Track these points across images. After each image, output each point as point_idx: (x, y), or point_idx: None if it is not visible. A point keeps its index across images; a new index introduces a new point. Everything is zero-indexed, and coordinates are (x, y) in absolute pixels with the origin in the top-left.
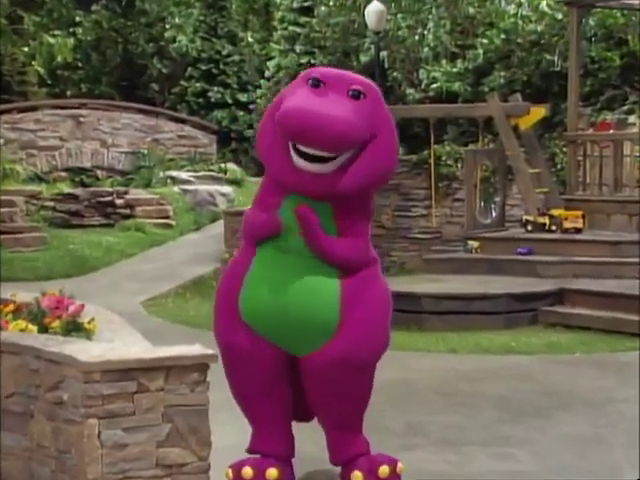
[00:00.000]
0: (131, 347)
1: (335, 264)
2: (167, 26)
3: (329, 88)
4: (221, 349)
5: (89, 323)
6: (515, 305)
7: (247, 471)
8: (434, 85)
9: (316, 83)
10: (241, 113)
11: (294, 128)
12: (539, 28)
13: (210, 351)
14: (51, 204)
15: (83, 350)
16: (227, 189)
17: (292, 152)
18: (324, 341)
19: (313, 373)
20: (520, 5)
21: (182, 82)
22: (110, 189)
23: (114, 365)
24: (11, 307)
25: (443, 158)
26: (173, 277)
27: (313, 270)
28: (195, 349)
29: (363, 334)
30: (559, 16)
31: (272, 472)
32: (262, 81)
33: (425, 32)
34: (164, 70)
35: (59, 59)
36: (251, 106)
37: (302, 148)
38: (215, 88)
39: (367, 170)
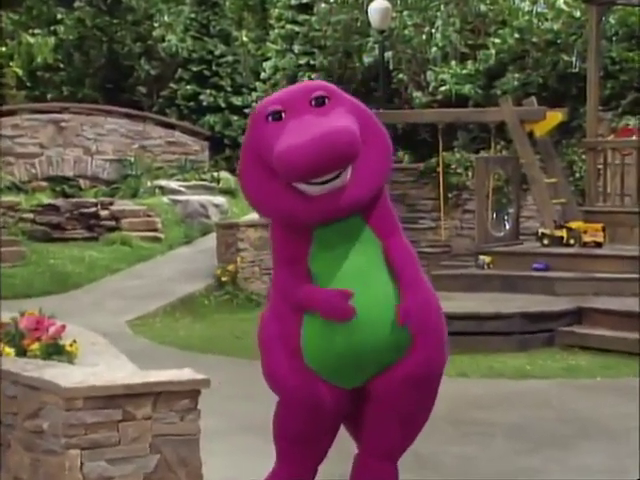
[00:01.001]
0: (116, 371)
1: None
2: (155, 24)
3: (292, 112)
4: (286, 398)
5: (71, 345)
6: (530, 325)
7: None
8: (442, 88)
9: (277, 116)
10: (235, 118)
11: (305, 168)
12: (556, 26)
13: (201, 376)
14: (30, 216)
15: (64, 375)
16: (220, 200)
17: (303, 187)
18: (397, 359)
19: (384, 394)
20: (535, 2)
21: (172, 84)
22: (94, 200)
23: (98, 391)
24: None
25: (452, 166)
26: (162, 295)
27: (377, 289)
28: (185, 373)
29: (433, 342)
30: (577, 14)
31: None
32: (258, 83)
33: (433, 31)
34: (152, 71)
35: (39, 60)
36: (246, 110)
37: (315, 180)
38: (207, 91)
39: (376, 160)
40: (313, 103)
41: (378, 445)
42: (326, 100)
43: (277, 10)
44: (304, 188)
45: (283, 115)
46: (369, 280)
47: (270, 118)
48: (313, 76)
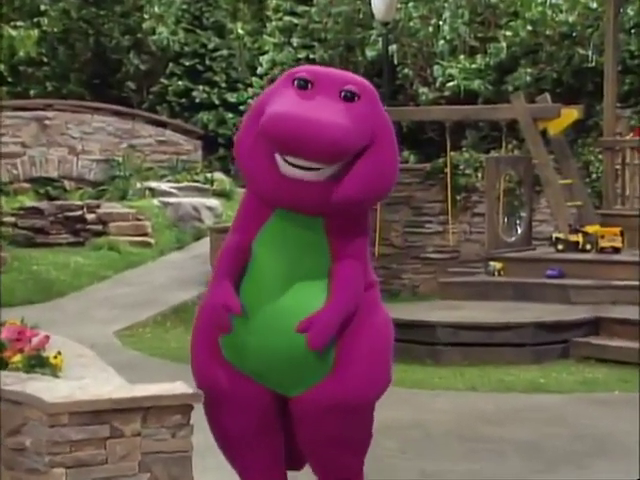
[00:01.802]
0: (103, 385)
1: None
2: (145, 16)
3: (318, 89)
4: (200, 390)
5: (55, 357)
6: (544, 336)
7: None
8: (450, 83)
9: (303, 84)
10: (230, 115)
11: (281, 137)
12: (571, 18)
13: (194, 389)
14: (12, 220)
15: (48, 389)
16: (214, 202)
17: (279, 159)
18: (317, 380)
19: (304, 416)
20: None
21: (162, 80)
22: (80, 202)
23: (84, 406)
24: None
25: (461, 167)
26: (152, 303)
27: (303, 298)
28: (177, 387)
29: (361, 371)
30: (594, 5)
31: None
32: (254, 79)
33: (440, 23)
34: (142, 66)
35: (21, 54)
36: (241, 107)
37: (290, 159)
38: (200, 87)
39: (367, 179)
40: (342, 94)
41: (322, 468)
42: (355, 98)
43: (274, 1)
44: (282, 165)
45: (309, 87)
46: (299, 288)
47: (296, 83)
48: None
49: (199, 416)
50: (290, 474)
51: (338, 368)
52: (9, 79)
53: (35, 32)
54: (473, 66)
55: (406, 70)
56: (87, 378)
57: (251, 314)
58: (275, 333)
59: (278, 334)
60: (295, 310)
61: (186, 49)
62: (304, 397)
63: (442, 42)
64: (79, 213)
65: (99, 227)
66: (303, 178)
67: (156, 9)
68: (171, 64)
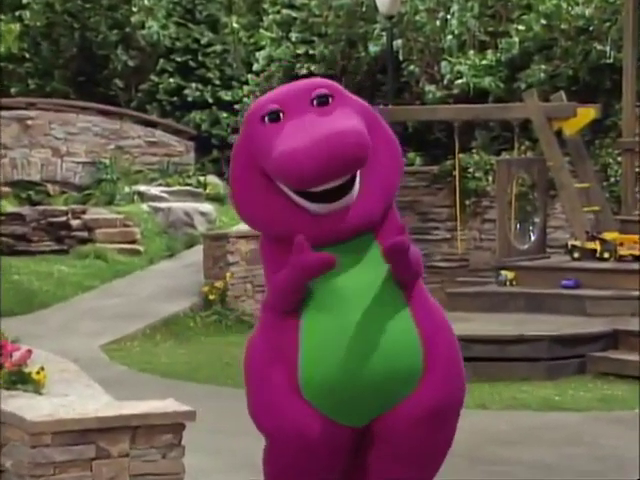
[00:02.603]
0: (89, 403)
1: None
2: (134, 9)
3: (292, 112)
4: (282, 438)
5: (38, 373)
6: (559, 350)
7: None
8: (459, 81)
9: (274, 116)
10: (224, 115)
11: (310, 170)
12: (588, 12)
13: (186, 407)
14: None
15: (30, 407)
16: (207, 207)
17: (303, 203)
18: (407, 393)
19: (390, 434)
20: None
21: (152, 77)
22: (64, 208)
23: (68, 425)
24: None
25: (470, 170)
26: (141, 315)
27: (381, 308)
28: (168, 405)
29: (451, 373)
30: None
31: None
32: (250, 76)
33: (448, 16)
34: (130, 62)
35: (2, 49)
36: (236, 106)
37: (321, 188)
38: (193, 84)
39: (384, 170)
40: (315, 103)
41: None
42: (329, 99)
43: None
44: (307, 206)
45: (281, 116)
46: (378, 300)
47: (267, 119)
48: (313, 68)
49: (191, 436)
50: None
51: (430, 374)
52: None
53: (17, 26)
54: (483, 62)
55: (412, 67)
56: (72, 395)
57: (332, 344)
58: (365, 353)
59: (370, 354)
60: (383, 325)
61: (177, 44)
62: (396, 412)
63: (450, 37)
64: (63, 219)
65: (84, 234)
66: (335, 209)
67: (146, 2)
68: (161, 60)
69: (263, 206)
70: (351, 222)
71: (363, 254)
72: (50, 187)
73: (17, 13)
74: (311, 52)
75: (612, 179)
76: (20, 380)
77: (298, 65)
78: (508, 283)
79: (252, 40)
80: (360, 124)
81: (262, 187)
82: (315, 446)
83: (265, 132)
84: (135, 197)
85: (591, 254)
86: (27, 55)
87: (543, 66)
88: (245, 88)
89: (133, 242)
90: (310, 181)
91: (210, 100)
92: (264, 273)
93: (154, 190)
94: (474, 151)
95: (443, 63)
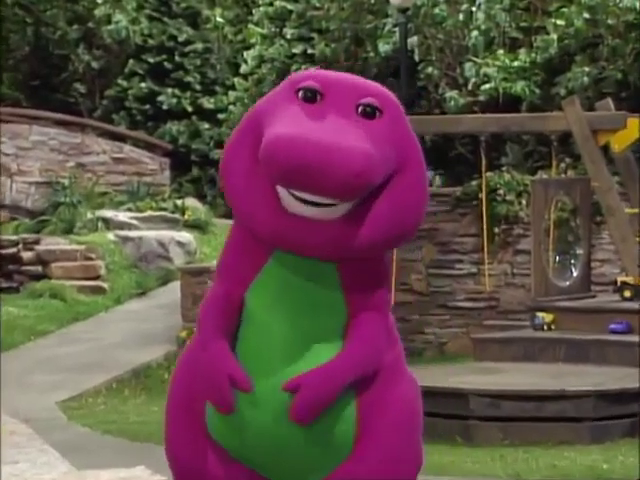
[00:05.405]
0: (44, 471)
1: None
2: (98, 0)
3: (330, 103)
4: (177, 475)
5: None
6: (607, 408)
7: None
8: (486, 86)
9: (311, 96)
10: (206, 126)
11: (288, 168)
12: (638, 4)
13: (159, 476)
14: None
15: None
16: (186, 236)
17: (281, 191)
18: (333, 465)
19: None
20: None
21: (120, 81)
22: (14, 237)
23: None
24: None
25: (500, 192)
26: (106, 366)
27: (314, 366)
28: (138, 474)
29: (386, 453)
30: None
31: None
32: (236, 79)
33: (474, 9)
34: (94, 64)
35: None
36: (220, 116)
37: (298, 193)
38: (169, 90)
39: (391, 216)
40: (359, 109)
41: None
42: (377, 114)
43: None
44: (283, 196)
45: (318, 99)
46: (308, 353)
47: (301, 94)
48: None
49: None
50: None
51: (359, 449)
52: None
53: None
54: (515, 64)
55: (430, 69)
56: (23, 462)
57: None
58: (281, 411)
59: (285, 412)
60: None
61: (150, 42)
62: None
63: (475, 33)
64: (13, 250)
65: (38, 268)
66: (313, 217)
67: None
68: (131, 61)
69: (248, 191)
70: (329, 239)
71: (319, 290)
72: None
73: None
74: (309, 51)
75: None
76: None
77: (294, 67)
78: (545, 327)
79: (239, 37)
80: (383, 159)
81: (254, 162)
82: None
83: (290, 105)
84: (99, 224)
85: None
86: None
87: (586, 68)
88: (231, 94)
89: (96, 278)
90: (282, 177)
91: (189, 108)
92: (217, 262)
93: (122, 216)
94: (504, 169)
95: (467, 65)
